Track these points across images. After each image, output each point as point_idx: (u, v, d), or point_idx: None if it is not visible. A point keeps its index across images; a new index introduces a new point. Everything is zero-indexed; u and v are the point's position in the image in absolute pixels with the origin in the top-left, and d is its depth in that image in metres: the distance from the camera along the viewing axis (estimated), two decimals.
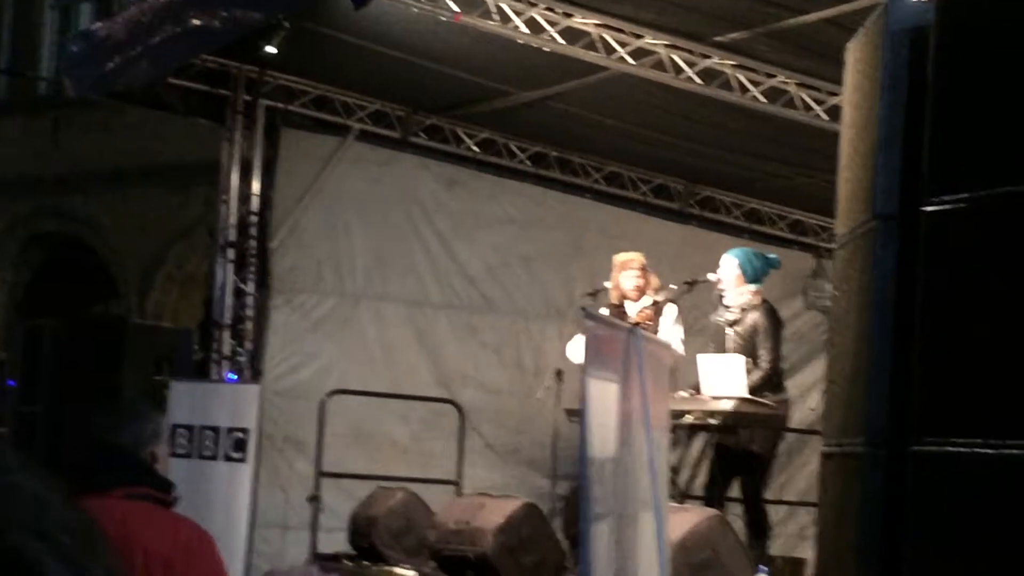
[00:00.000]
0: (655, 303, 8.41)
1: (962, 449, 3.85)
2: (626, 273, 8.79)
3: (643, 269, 8.80)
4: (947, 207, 4.01)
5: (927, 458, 3.94)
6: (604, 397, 4.80)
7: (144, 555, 3.62)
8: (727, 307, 8.35)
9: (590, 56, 8.82)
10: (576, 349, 8.62)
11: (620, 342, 5.03)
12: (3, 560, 0.86)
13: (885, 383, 4.13)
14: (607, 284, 9.21)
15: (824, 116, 8.93)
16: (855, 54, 4.70)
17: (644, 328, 8.24)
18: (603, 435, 4.77)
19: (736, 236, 11.81)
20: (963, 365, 3.95)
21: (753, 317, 8.24)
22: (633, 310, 8.70)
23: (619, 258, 8.97)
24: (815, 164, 10.38)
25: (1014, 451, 3.70)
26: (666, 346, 7.28)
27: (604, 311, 8.34)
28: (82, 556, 0.90)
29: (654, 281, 8.76)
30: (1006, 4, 4.12)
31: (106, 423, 3.89)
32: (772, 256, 8.78)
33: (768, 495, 9.27)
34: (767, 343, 8.14)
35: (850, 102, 4.77)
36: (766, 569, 6.98)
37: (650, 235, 12.05)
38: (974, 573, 3.83)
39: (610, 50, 8.78)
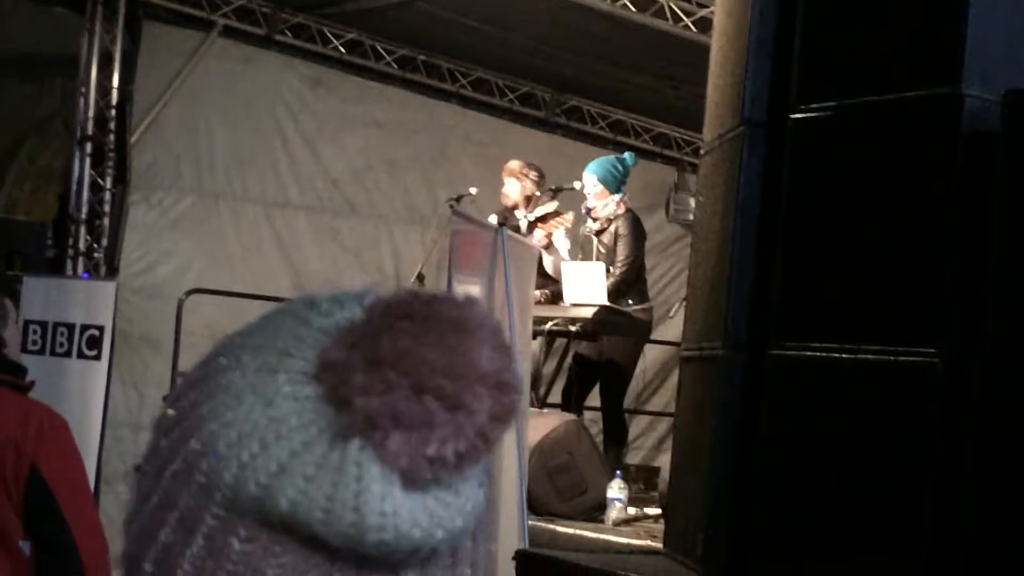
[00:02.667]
0: (545, 214, 8.45)
1: (819, 354, 3.92)
2: (509, 179, 8.75)
3: (522, 173, 8.77)
4: (814, 115, 4.06)
5: (785, 362, 4.00)
6: None
7: None
8: (594, 219, 8.38)
9: None
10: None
11: (485, 243, 5.00)
12: None
13: (746, 288, 4.19)
14: (472, 190, 9.17)
15: (693, 28, 8.96)
16: None
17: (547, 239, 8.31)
18: None
19: (601, 147, 11.83)
20: (823, 272, 4.01)
21: (617, 224, 8.28)
22: (523, 220, 8.68)
23: (508, 166, 8.87)
24: (682, 76, 10.42)
25: (868, 356, 3.78)
26: (532, 247, 7.28)
27: (493, 218, 8.32)
28: None
29: (529, 187, 8.73)
30: None
31: None
32: (625, 155, 8.79)
33: (629, 406, 9.38)
34: (624, 249, 8.18)
35: (722, 8, 4.78)
36: (620, 474, 7.06)
37: (516, 143, 12.02)
38: (825, 476, 3.91)
39: None
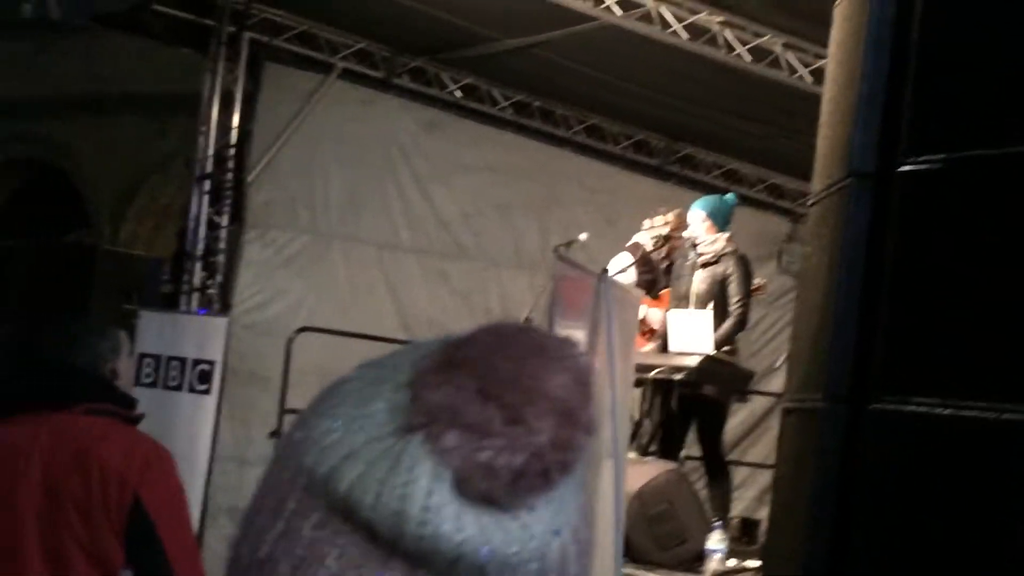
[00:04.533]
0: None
1: (919, 408, 3.86)
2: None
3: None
4: (923, 167, 4.01)
5: (885, 416, 3.94)
6: None
7: (101, 470, 3.60)
8: (700, 254, 8.34)
9: (578, 5, 8.77)
10: (618, 264, 8.51)
11: (589, 289, 5.01)
12: None
13: (849, 339, 4.13)
14: (582, 236, 9.18)
15: (808, 78, 8.92)
16: (842, 11, 4.68)
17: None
18: None
19: None
20: (928, 324, 3.95)
21: (726, 264, 8.24)
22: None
23: (680, 220, 8.83)
24: (797, 127, 10.36)
25: (970, 412, 3.71)
26: (635, 293, 7.26)
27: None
28: None
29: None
30: None
31: (62, 340, 3.86)
32: (728, 196, 8.77)
33: (730, 457, 9.29)
34: (739, 291, 8.14)
35: (834, 58, 4.75)
36: (720, 524, 7.00)
37: (627, 190, 12.05)
38: (923, 532, 3.84)
39: (599, 0, 8.74)
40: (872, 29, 4.29)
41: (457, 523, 0.84)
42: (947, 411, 3.75)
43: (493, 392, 0.85)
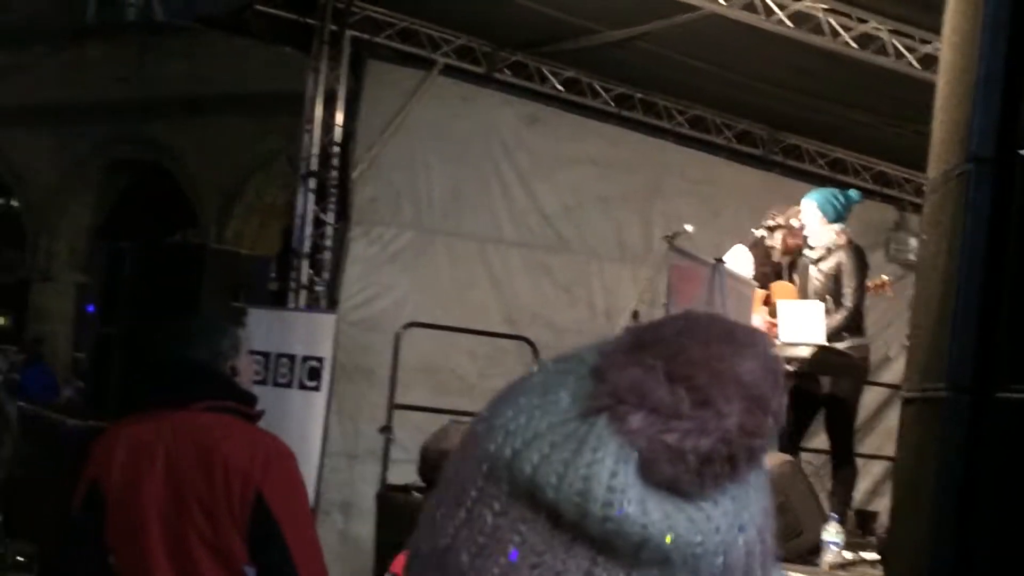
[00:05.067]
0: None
1: None
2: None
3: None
4: None
5: (1012, 405, 3.88)
6: None
7: (224, 467, 3.64)
8: (811, 247, 8.27)
9: None
10: (734, 258, 8.45)
11: (702, 278, 4.97)
12: None
13: (972, 328, 4.07)
14: (688, 228, 9.13)
15: (916, 64, 8.79)
16: None
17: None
18: None
19: (819, 185, 11.64)
20: None
21: (838, 257, 8.15)
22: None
23: (795, 221, 8.71)
24: (904, 114, 10.22)
25: None
26: (750, 283, 7.20)
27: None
28: None
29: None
30: None
31: (182, 338, 3.91)
32: (851, 192, 8.66)
33: None
34: (852, 283, 8.05)
35: (949, 43, 4.68)
36: (837, 518, 6.92)
37: (732, 181, 11.96)
38: None
39: None
40: (990, 11, 4.22)
41: (642, 506, 0.83)
42: None
43: (682, 374, 0.84)
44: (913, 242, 12.47)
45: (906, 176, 12.46)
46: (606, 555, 0.84)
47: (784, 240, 8.55)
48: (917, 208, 12.69)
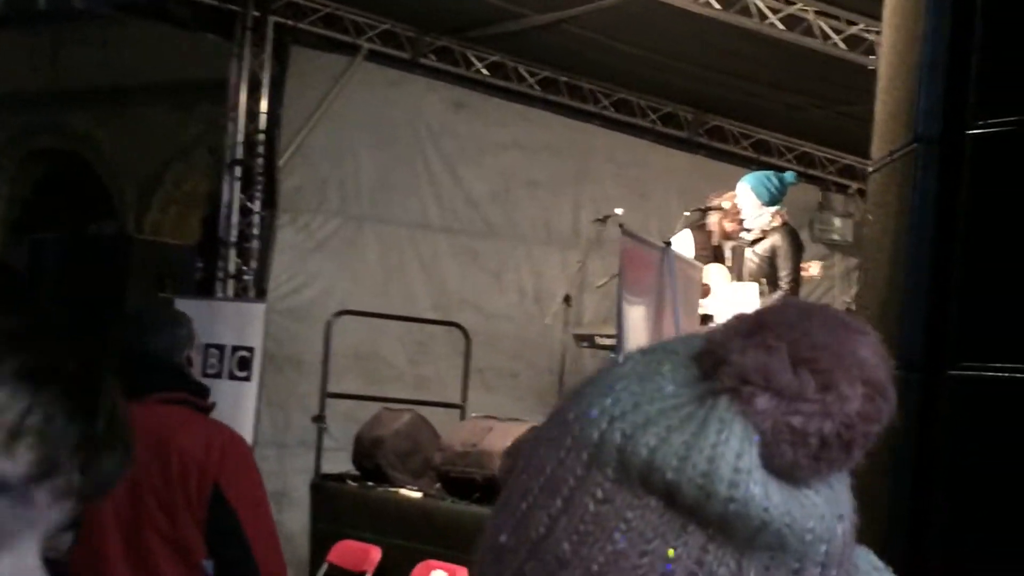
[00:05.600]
0: (763, 230, 8.34)
1: (1000, 374, 3.82)
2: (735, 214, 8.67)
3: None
4: (994, 130, 3.96)
5: (963, 383, 3.91)
6: (636, 320, 4.76)
7: (180, 459, 3.59)
8: (748, 230, 8.33)
9: None
10: (679, 242, 8.52)
11: (653, 262, 4.98)
12: None
13: (922, 306, 4.09)
14: (618, 211, 9.15)
15: (842, 45, 8.85)
16: None
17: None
18: None
19: (744, 166, 11.72)
20: (1003, 290, 3.91)
21: (773, 239, 8.21)
22: (729, 247, 8.66)
23: (726, 204, 8.77)
24: (829, 95, 10.32)
25: None
26: (697, 266, 7.23)
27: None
28: None
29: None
30: None
31: (140, 328, 3.84)
32: (786, 174, 8.73)
33: None
34: (787, 265, 8.12)
35: (890, 24, 4.69)
36: None
37: (657, 163, 12.01)
38: (1007, 499, 3.81)
39: None
40: None
41: (764, 489, 0.83)
42: None
43: (805, 356, 0.84)
44: (837, 222, 12.60)
45: (830, 157, 12.57)
46: (720, 540, 0.83)
47: (720, 223, 8.59)
48: (841, 188, 12.82)
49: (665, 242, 5.98)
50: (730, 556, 0.83)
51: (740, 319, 0.88)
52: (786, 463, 0.83)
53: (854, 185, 12.78)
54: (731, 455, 0.82)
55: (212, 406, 3.85)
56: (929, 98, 4.20)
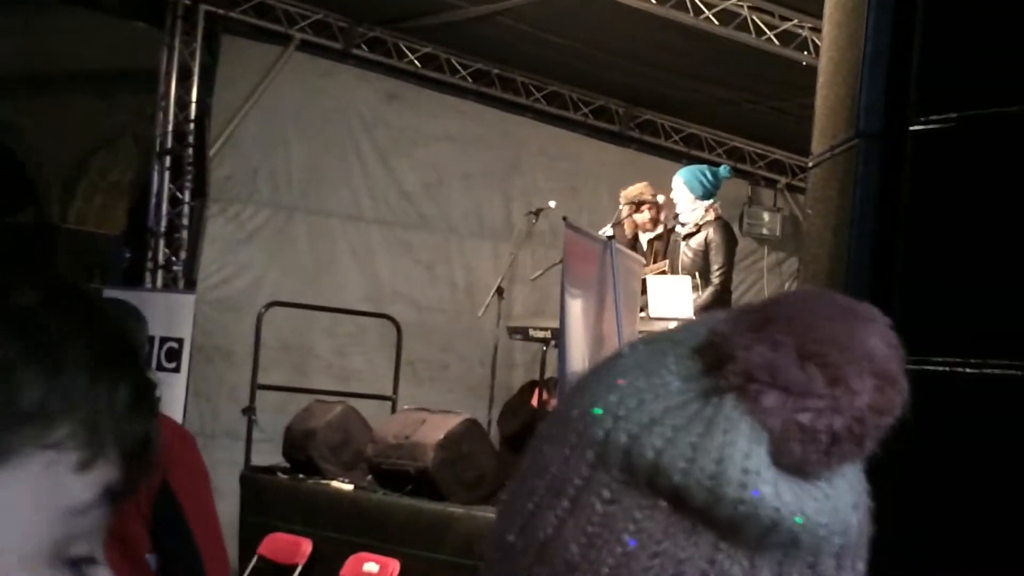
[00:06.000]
0: (667, 229, 8.36)
1: (941, 368, 3.86)
2: (643, 208, 8.71)
3: (654, 199, 8.74)
4: (935, 127, 4.00)
5: (907, 379, 3.93)
6: (576, 313, 4.76)
7: None
8: (682, 224, 8.37)
9: None
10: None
11: (595, 255, 4.98)
12: None
13: (863, 300, 4.12)
14: (551, 204, 9.18)
15: (775, 41, 8.90)
16: None
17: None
18: (578, 351, 4.73)
19: (675, 160, 11.79)
20: (945, 285, 3.95)
21: (707, 232, 8.26)
22: (645, 240, 8.69)
23: (631, 194, 8.81)
24: (761, 90, 10.38)
25: (995, 371, 3.71)
26: (638, 259, 7.26)
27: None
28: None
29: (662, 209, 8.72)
30: None
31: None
32: (720, 168, 8.79)
33: None
34: (719, 258, 8.16)
35: (831, 20, 4.72)
36: None
37: (589, 157, 12.03)
38: (945, 492, 3.85)
39: None
40: None
41: (774, 488, 0.81)
42: (970, 370, 3.76)
43: (812, 351, 0.82)
44: (766, 216, 12.68)
45: (760, 152, 12.65)
46: (731, 540, 0.82)
47: (631, 217, 8.65)
48: (770, 183, 12.91)
49: (608, 236, 6.00)
50: (742, 555, 0.82)
51: (745, 311, 0.86)
52: (796, 460, 0.82)
53: (783, 180, 12.88)
54: (739, 456, 0.81)
55: (158, 400, 3.79)
56: (871, 94, 4.23)
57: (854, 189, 4.19)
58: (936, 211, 4.00)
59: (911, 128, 4.04)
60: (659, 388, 0.84)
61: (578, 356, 4.79)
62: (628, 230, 8.77)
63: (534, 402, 9.01)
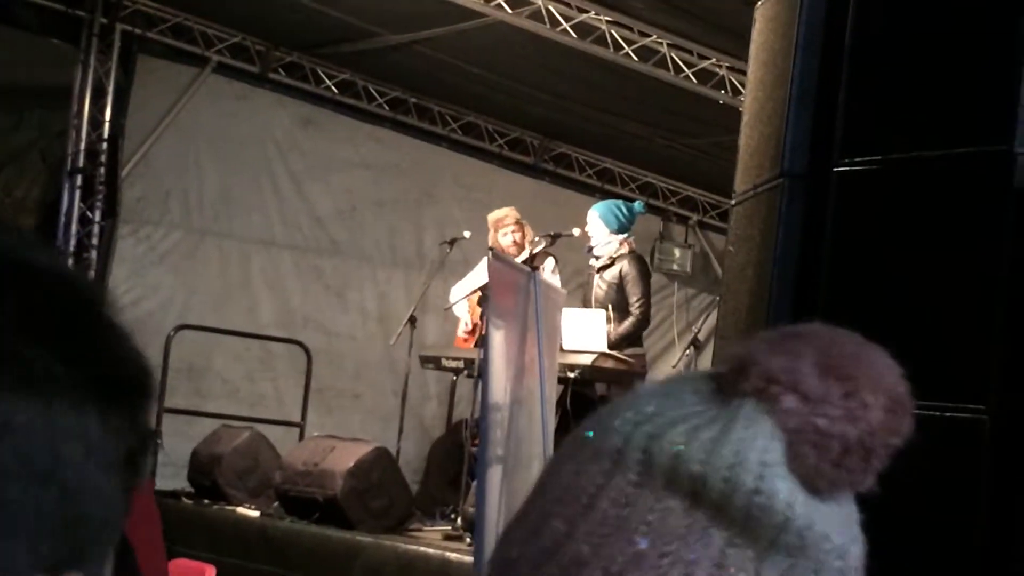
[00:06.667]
0: (532, 255, 8.39)
1: None
2: (503, 230, 8.79)
3: (518, 223, 8.80)
4: (859, 168, 4.06)
5: None
6: (499, 343, 4.76)
7: None
8: (596, 257, 8.43)
9: (467, 1, 8.73)
10: (458, 290, 8.70)
11: (519, 285, 4.98)
12: None
13: None
14: (466, 234, 9.19)
15: (693, 79, 9.00)
16: (766, 11, 4.71)
17: None
18: (499, 383, 4.73)
19: (588, 194, 11.86)
20: (866, 327, 4.00)
21: (621, 265, 8.32)
22: None
23: (494, 216, 8.92)
24: (675, 127, 10.47)
25: (920, 412, 3.77)
26: (559, 291, 7.29)
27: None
28: None
29: (529, 233, 8.76)
30: None
31: None
32: (635, 203, 8.86)
33: None
34: (637, 290, 8.22)
35: (757, 59, 4.77)
36: None
37: (503, 188, 12.05)
38: (883, 513, 3.89)
39: None
40: (803, 31, 4.33)
41: (789, 488, 0.84)
42: None
43: (831, 364, 0.85)
44: (677, 252, 12.79)
45: (672, 188, 12.77)
46: (742, 538, 0.83)
47: (496, 242, 8.73)
48: (682, 219, 13.02)
49: (533, 267, 6.02)
50: (749, 561, 0.84)
51: (766, 333, 0.90)
52: (809, 467, 0.84)
53: (695, 217, 13.00)
54: (758, 449, 0.83)
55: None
56: (796, 134, 4.29)
57: (777, 227, 4.23)
58: (858, 251, 4.05)
59: (835, 169, 4.10)
60: (677, 399, 0.87)
61: (499, 388, 4.79)
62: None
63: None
